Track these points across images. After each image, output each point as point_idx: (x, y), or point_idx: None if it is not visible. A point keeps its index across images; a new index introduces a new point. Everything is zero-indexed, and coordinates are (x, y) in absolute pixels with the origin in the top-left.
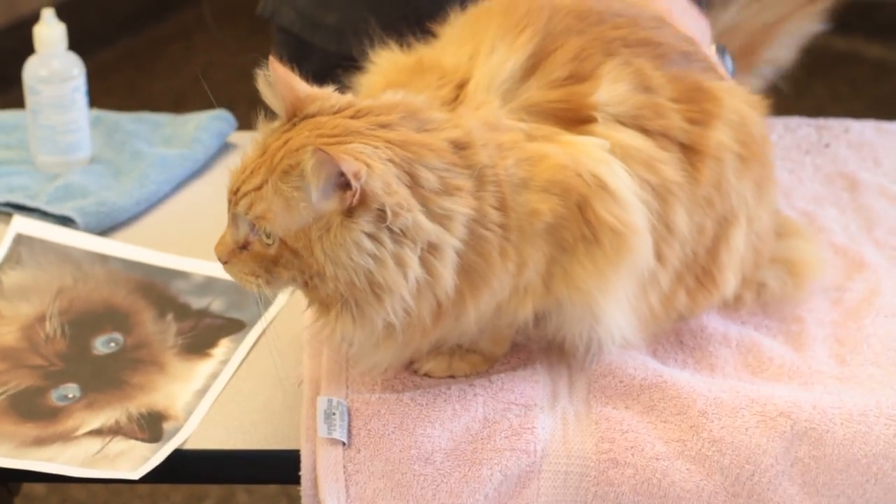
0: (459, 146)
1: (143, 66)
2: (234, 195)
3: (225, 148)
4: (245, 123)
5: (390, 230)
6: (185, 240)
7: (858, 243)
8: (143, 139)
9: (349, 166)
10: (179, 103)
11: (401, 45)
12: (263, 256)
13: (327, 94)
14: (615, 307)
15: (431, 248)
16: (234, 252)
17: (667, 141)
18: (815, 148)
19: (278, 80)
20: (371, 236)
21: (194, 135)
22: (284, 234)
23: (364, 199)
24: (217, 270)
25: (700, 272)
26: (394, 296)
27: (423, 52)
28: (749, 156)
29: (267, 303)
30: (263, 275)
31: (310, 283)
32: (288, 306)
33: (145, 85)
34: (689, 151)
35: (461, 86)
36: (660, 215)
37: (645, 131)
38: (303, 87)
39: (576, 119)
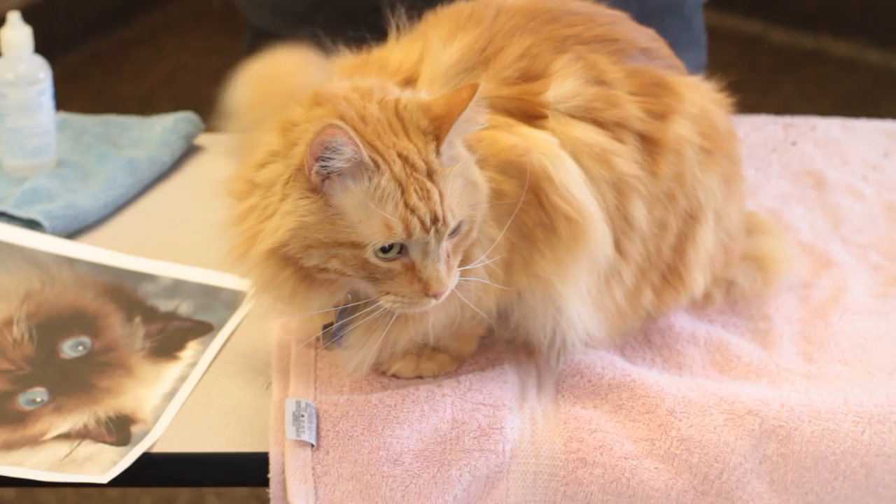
0: None
1: (110, 68)
2: (435, 224)
3: (192, 150)
4: (212, 125)
5: None
6: (152, 242)
7: (825, 241)
8: (109, 142)
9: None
10: (147, 106)
11: (355, 51)
12: (461, 243)
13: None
14: (576, 297)
15: None
16: (449, 272)
17: (623, 131)
18: (782, 146)
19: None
20: None
21: (161, 137)
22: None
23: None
24: (185, 273)
25: (666, 270)
26: None
27: (374, 52)
28: (714, 148)
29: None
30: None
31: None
32: (256, 307)
33: (112, 88)
34: (648, 142)
35: (408, 82)
36: (617, 208)
37: (599, 123)
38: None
39: (528, 116)
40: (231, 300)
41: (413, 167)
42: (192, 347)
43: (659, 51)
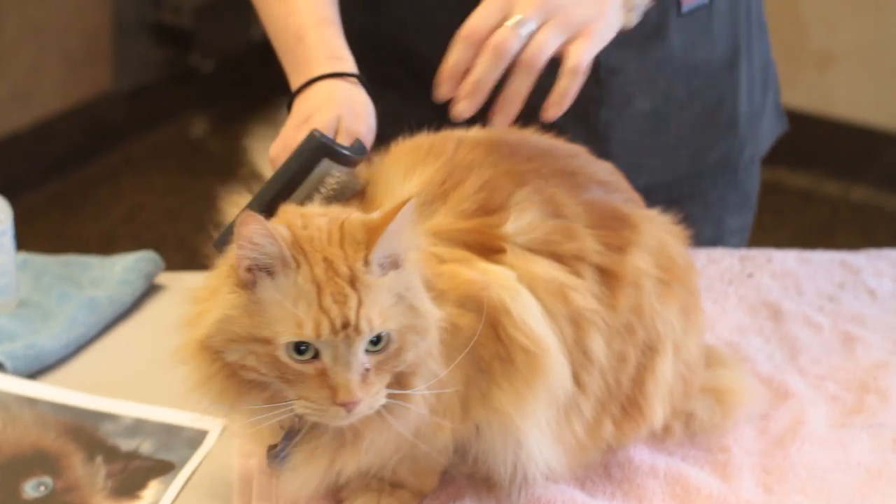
0: None
1: (70, 208)
2: (346, 328)
3: (152, 289)
4: (172, 264)
5: None
6: (113, 382)
7: (783, 372)
8: (71, 282)
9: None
10: (108, 244)
11: None
12: (388, 362)
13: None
14: (535, 430)
15: None
16: (364, 386)
17: (581, 264)
18: (738, 278)
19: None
20: None
21: (121, 276)
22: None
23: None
24: (145, 412)
25: (626, 402)
26: None
27: None
28: (672, 280)
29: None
30: (389, 377)
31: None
32: (217, 446)
33: (73, 227)
34: (606, 275)
35: None
36: (575, 341)
37: (557, 257)
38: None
39: (486, 249)
40: (192, 438)
41: (335, 272)
42: (153, 487)
43: (617, 184)
